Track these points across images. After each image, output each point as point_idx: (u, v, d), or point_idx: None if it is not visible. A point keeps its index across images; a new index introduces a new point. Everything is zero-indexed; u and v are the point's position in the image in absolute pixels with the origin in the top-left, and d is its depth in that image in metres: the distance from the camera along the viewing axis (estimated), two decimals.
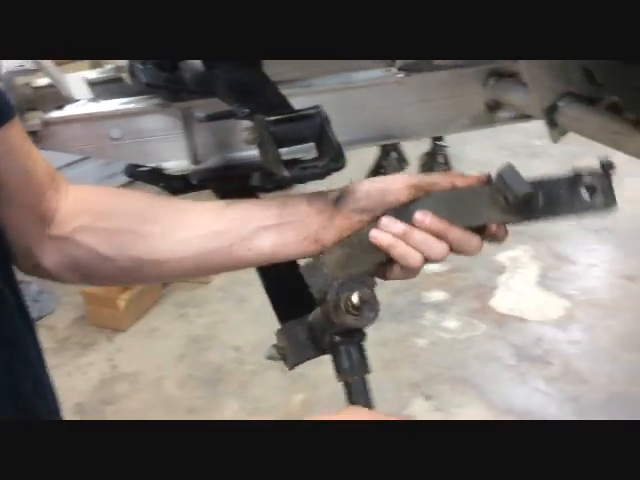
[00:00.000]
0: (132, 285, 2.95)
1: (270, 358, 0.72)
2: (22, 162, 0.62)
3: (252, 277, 3.21)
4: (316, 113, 0.66)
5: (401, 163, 4.40)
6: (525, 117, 1.01)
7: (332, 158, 0.65)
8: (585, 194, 0.63)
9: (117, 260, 0.66)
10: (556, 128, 0.85)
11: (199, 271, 0.71)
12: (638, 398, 2.28)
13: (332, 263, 0.67)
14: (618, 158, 0.74)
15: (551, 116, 0.84)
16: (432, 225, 0.63)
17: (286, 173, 0.63)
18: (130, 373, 2.57)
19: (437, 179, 0.66)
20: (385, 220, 0.64)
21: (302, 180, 0.65)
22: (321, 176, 0.65)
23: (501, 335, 2.67)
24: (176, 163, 0.85)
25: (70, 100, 0.90)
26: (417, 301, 2.87)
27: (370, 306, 0.62)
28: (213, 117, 0.77)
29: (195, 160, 0.84)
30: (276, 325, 2.85)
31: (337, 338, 0.63)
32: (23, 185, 0.63)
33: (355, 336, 0.64)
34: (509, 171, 0.60)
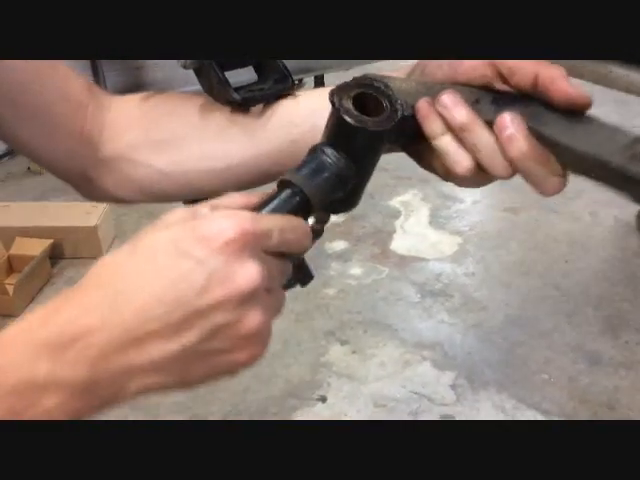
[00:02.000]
0: (18, 267, 2.74)
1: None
2: (53, 80, 0.56)
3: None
4: None
5: None
6: None
7: (277, 80, 0.62)
8: None
9: (173, 174, 0.60)
10: None
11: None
12: (532, 317, 2.49)
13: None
14: None
15: None
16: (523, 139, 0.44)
17: (236, 95, 0.59)
18: None
19: (522, 65, 0.46)
20: (445, 99, 0.47)
21: (252, 102, 0.61)
22: (270, 98, 0.62)
23: (403, 275, 2.78)
24: None
25: None
26: (321, 253, 2.91)
27: None
28: None
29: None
30: None
31: None
32: (61, 105, 0.57)
33: None
34: None
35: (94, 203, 3.13)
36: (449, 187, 3.52)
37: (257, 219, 0.40)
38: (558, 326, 2.46)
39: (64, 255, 3.00)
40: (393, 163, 3.95)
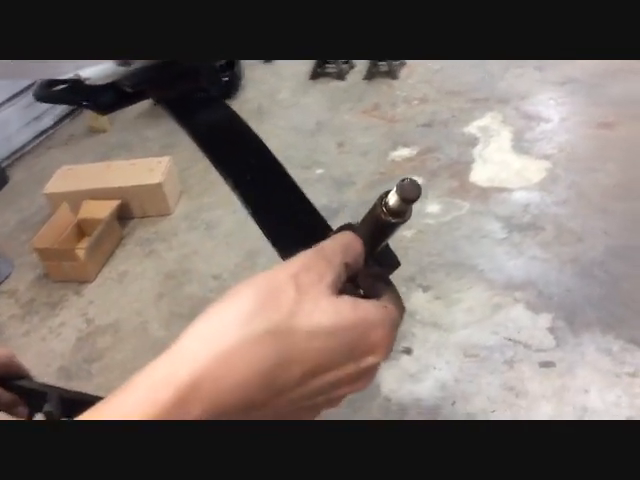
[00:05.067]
0: (88, 231, 2.72)
1: None
2: None
3: (215, 201, 2.99)
4: None
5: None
6: None
7: None
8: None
9: None
10: None
11: None
12: (636, 247, 2.22)
13: None
14: None
15: None
16: None
17: None
18: (109, 324, 2.40)
19: None
20: None
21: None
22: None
23: (487, 210, 2.55)
24: (97, 69, 0.62)
25: None
26: None
27: None
28: None
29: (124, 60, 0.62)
30: (251, 246, 2.63)
31: None
32: None
33: None
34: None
35: (158, 158, 3.04)
36: (532, 105, 3.18)
37: (357, 305, 0.38)
38: None
39: (132, 215, 2.95)
40: (466, 85, 3.64)
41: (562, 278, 2.16)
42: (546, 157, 2.77)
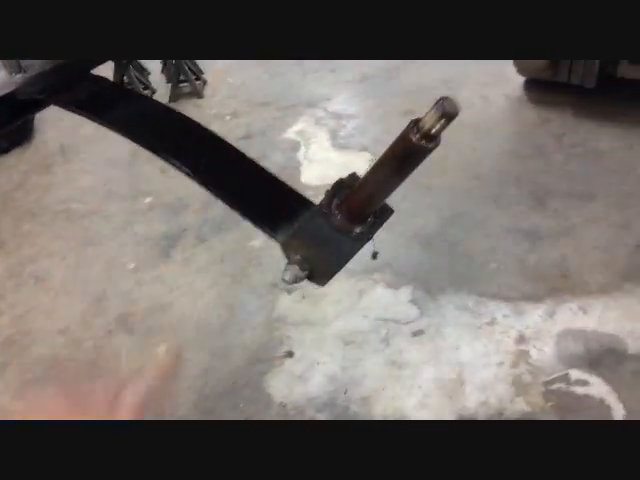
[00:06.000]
0: None
1: (293, 282, 0.52)
2: None
3: (37, 251, 2.68)
4: None
5: (143, 72, 3.98)
6: None
7: None
8: None
9: None
10: None
11: None
12: (461, 214, 2.46)
13: None
14: None
15: None
16: None
17: None
18: None
19: None
20: None
21: None
22: None
23: None
24: None
25: None
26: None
27: None
28: None
29: (18, 67, 0.54)
30: (95, 290, 2.43)
31: None
32: None
33: None
34: None
35: None
36: (339, 105, 3.38)
37: None
38: (489, 214, 2.45)
39: None
40: (272, 95, 3.73)
41: (410, 253, 2.32)
42: (364, 149, 2.96)
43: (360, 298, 2.16)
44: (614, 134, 2.72)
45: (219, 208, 2.76)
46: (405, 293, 2.16)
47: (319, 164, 2.93)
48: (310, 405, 1.86)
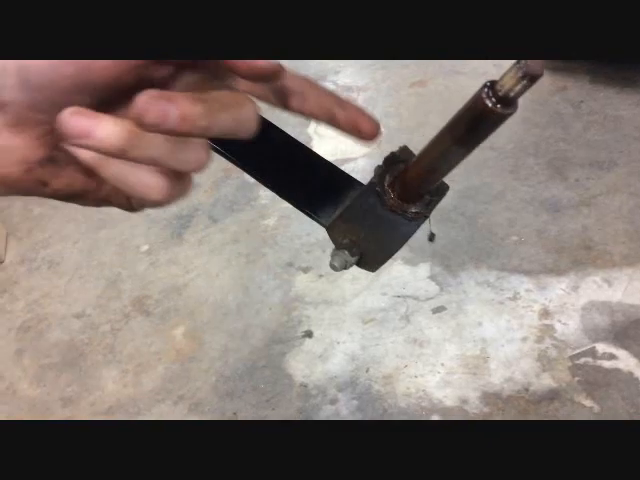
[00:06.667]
0: None
1: (342, 268, 0.48)
2: None
3: (50, 236, 2.67)
4: None
5: None
6: None
7: None
8: None
9: None
10: None
11: None
12: (479, 185, 2.41)
13: None
14: None
15: None
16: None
17: None
18: None
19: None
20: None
21: None
22: None
23: None
24: None
25: None
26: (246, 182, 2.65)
27: None
28: None
29: None
30: (109, 274, 2.41)
31: None
32: None
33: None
34: None
35: None
36: (348, 77, 3.31)
37: None
38: (507, 185, 2.40)
39: None
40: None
41: (426, 228, 2.28)
42: None
43: (378, 275, 2.13)
44: (635, 100, 2.64)
45: (230, 187, 2.72)
46: (424, 269, 2.13)
47: (330, 139, 2.87)
48: (332, 384, 1.84)
